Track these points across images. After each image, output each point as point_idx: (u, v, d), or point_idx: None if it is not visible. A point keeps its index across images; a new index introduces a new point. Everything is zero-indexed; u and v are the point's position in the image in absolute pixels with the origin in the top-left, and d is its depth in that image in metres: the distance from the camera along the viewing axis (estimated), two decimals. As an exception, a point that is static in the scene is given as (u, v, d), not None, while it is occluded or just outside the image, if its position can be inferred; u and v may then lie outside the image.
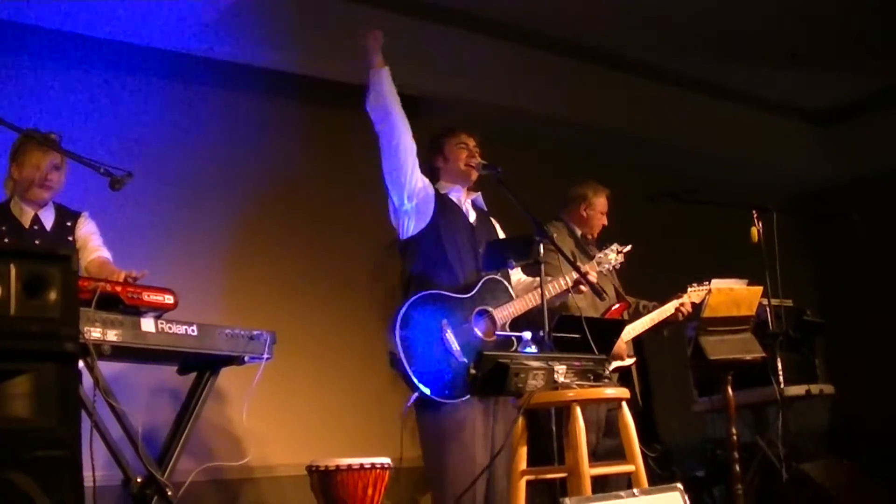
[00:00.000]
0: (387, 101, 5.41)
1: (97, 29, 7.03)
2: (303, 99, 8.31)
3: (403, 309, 5.19)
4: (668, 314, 6.55)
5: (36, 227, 5.30)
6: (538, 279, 5.34)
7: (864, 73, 10.06)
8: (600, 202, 6.77)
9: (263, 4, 7.38)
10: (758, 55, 9.40)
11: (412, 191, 5.47)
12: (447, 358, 5.12)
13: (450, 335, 5.15)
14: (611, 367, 6.33)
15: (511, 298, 5.43)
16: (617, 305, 6.54)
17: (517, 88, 8.87)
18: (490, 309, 5.35)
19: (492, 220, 5.80)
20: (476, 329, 5.27)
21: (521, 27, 8.67)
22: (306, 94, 8.27)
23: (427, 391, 5.09)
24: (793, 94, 10.56)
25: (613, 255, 5.95)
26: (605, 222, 6.81)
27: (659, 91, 9.78)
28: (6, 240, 5.11)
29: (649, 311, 6.60)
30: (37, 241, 5.20)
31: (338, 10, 7.70)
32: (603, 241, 6.72)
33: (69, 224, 5.44)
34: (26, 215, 5.31)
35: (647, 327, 6.54)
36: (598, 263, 5.87)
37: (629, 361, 6.43)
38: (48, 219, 5.38)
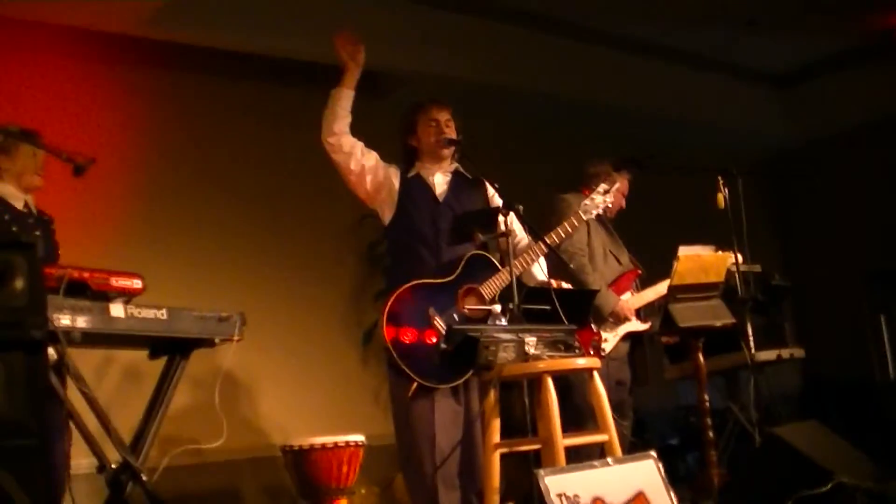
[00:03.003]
0: (332, 128, 5.36)
1: (55, 15, 6.99)
2: (262, 79, 8.30)
3: (388, 307, 5.13)
4: None
5: (26, 211, 5.28)
6: (530, 242, 5.42)
7: (820, 37, 10.09)
8: (623, 182, 6.71)
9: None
10: (717, 20, 9.41)
11: (376, 190, 5.49)
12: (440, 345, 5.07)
13: (438, 322, 5.11)
14: (622, 331, 6.39)
15: (497, 270, 5.34)
16: (628, 271, 6.59)
17: (477, 62, 8.84)
18: (476, 286, 5.32)
19: (486, 183, 5.61)
20: (463, 309, 5.24)
21: (483, 0, 8.65)
22: (267, 74, 8.25)
23: (426, 383, 5.07)
24: (751, 58, 10.58)
25: (600, 198, 5.73)
26: (624, 204, 6.78)
27: (620, 58, 9.79)
28: (13, 228, 5.09)
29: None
30: (30, 220, 5.20)
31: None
32: (618, 224, 6.77)
33: (46, 218, 5.43)
34: (18, 201, 5.27)
35: (651, 299, 6.57)
36: (585, 212, 5.65)
37: (643, 326, 6.47)
38: (32, 204, 5.37)
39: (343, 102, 5.34)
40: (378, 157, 5.49)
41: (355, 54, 5.34)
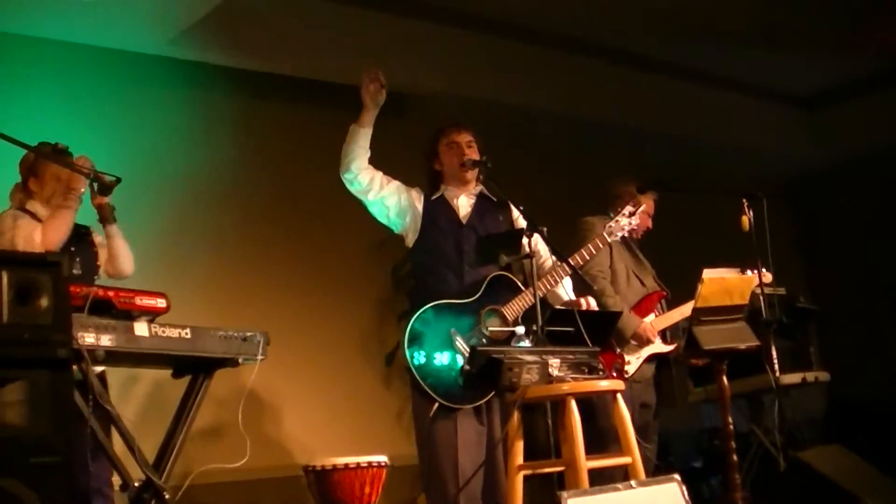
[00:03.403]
0: (350, 166, 5.42)
1: (77, 35, 7.04)
2: (290, 99, 8.31)
3: (409, 326, 5.19)
4: None
5: None
6: (554, 264, 5.47)
7: (847, 59, 10.03)
8: (648, 203, 6.69)
9: (244, 8, 7.34)
10: (743, 41, 9.37)
11: (398, 216, 5.56)
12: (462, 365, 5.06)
13: (460, 343, 5.12)
14: (646, 353, 6.36)
15: (519, 292, 5.37)
16: (652, 293, 6.57)
17: (504, 82, 8.85)
18: (498, 307, 5.32)
19: (511, 205, 5.61)
20: (485, 330, 5.24)
21: (507, 21, 8.64)
22: (292, 95, 8.27)
23: (448, 403, 5.09)
24: (779, 80, 10.53)
25: (625, 220, 5.77)
26: (650, 225, 6.76)
27: (645, 80, 9.76)
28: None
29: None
30: None
31: (321, 10, 7.69)
32: (642, 244, 6.75)
33: (83, 232, 5.47)
34: None
35: (677, 319, 6.53)
36: (609, 234, 5.70)
37: (667, 347, 6.44)
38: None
39: (361, 141, 5.39)
40: (399, 185, 5.54)
41: (376, 95, 5.36)
